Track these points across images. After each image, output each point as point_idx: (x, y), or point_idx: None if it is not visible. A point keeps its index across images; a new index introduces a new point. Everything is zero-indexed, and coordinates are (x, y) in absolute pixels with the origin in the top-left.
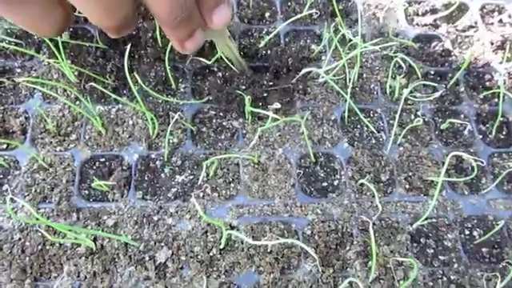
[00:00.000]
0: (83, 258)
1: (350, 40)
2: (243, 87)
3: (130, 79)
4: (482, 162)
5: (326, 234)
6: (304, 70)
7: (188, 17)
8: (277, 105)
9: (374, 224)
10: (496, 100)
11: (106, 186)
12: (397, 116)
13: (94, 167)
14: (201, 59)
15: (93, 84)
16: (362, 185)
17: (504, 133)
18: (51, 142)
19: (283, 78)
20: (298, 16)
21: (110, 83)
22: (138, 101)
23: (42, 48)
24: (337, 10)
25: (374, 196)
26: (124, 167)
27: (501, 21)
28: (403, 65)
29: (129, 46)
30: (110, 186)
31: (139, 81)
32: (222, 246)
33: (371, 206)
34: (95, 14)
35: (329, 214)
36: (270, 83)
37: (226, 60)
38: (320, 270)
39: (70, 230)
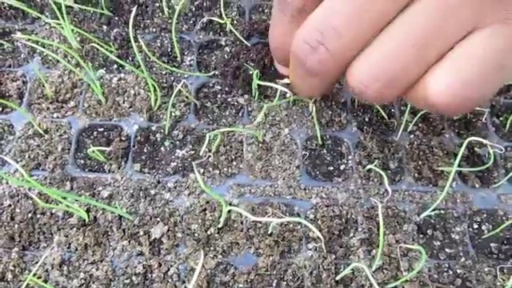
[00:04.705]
0: (75, 228)
1: None
2: (251, 63)
3: (134, 46)
4: (501, 150)
5: (329, 219)
6: None
7: None
8: (286, 80)
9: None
10: None
11: (102, 156)
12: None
13: (92, 136)
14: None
15: (95, 50)
16: (369, 171)
17: None
18: (48, 108)
19: None
20: None
21: (113, 51)
22: (142, 69)
23: (44, 11)
24: None
25: (381, 183)
26: (123, 138)
27: None
28: None
29: (133, 13)
30: (106, 155)
31: (144, 49)
32: (220, 225)
33: (378, 193)
34: None
35: (333, 199)
36: None
37: (236, 33)
38: (322, 256)
39: (64, 198)
